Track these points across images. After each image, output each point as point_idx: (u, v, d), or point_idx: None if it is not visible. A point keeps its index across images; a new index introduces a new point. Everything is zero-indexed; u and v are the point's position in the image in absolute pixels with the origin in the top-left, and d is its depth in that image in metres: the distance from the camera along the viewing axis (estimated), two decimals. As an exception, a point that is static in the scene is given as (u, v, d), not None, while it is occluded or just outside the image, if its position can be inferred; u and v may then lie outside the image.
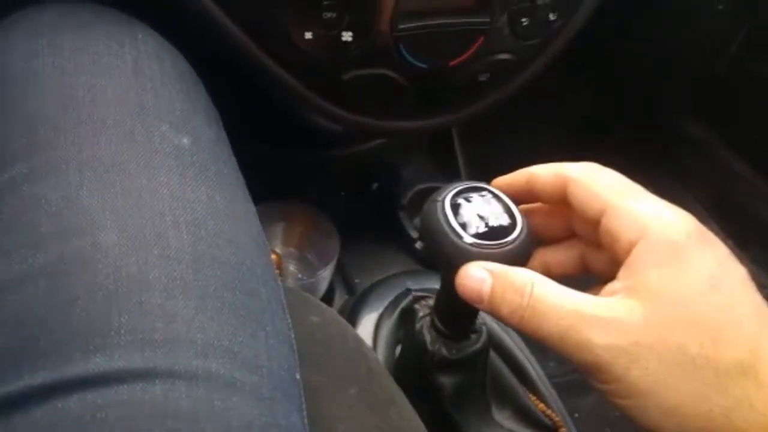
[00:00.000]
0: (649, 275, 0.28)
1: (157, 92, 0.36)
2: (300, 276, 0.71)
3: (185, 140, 0.34)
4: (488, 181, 0.37)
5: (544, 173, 0.34)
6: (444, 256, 0.33)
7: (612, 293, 0.29)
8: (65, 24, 0.38)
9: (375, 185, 0.77)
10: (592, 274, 0.35)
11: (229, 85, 0.53)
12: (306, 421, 0.30)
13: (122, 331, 0.26)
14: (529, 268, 0.35)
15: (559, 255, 0.36)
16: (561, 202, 0.34)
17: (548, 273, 0.36)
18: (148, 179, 0.31)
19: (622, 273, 0.29)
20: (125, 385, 0.25)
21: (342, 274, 0.71)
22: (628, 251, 0.29)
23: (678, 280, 0.28)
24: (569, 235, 0.36)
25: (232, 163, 0.37)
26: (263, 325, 0.30)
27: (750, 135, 0.94)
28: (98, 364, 0.25)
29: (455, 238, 0.33)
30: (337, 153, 0.73)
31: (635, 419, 0.28)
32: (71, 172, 0.30)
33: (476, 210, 0.34)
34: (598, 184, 0.32)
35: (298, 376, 0.31)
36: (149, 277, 0.28)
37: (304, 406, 0.30)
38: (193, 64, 0.42)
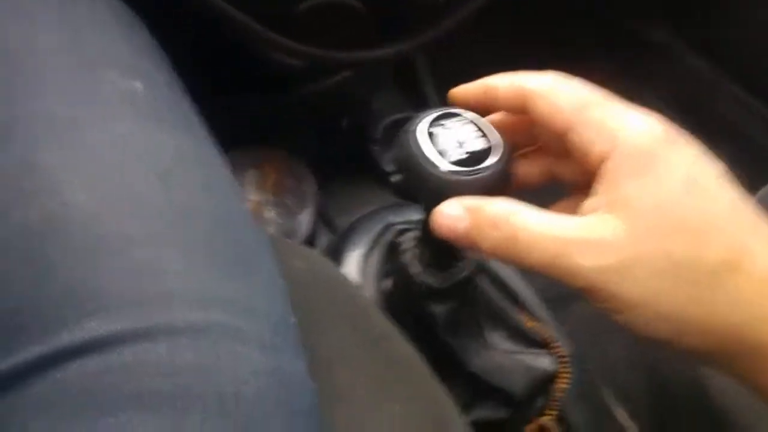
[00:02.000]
0: (625, 188, 0.28)
1: (96, 39, 0.33)
2: (279, 221, 0.70)
3: (138, 84, 0.32)
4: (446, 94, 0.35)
5: (503, 85, 0.32)
6: (423, 188, 0.32)
7: (593, 210, 0.28)
8: None
9: (344, 121, 0.75)
10: (561, 182, 0.34)
11: (183, 33, 0.51)
12: (307, 364, 0.29)
13: (113, 292, 0.25)
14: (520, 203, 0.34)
15: (525, 167, 0.35)
16: (522, 113, 0.32)
17: (516, 186, 0.35)
18: (106, 131, 0.29)
19: (598, 187, 0.29)
20: (127, 347, 0.24)
21: (321, 215, 0.70)
22: (600, 163, 0.29)
23: (654, 188, 0.27)
24: (534, 145, 0.35)
25: (188, 105, 0.35)
26: (254, 271, 0.29)
27: (711, 35, 0.93)
28: (93, 328, 0.24)
29: (432, 169, 0.32)
30: (302, 92, 0.71)
31: (634, 330, 0.28)
32: (21, 131, 0.28)
33: (452, 135, 0.33)
34: (560, 97, 0.30)
35: (293, 320, 0.30)
36: (129, 233, 0.26)
37: (302, 350, 0.30)
38: (140, 13, 0.39)
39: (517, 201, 0.30)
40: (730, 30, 0.91)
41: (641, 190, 0.27)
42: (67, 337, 0.24)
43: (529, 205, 0.30)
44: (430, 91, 0.80)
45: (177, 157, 0.30)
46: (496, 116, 0.35)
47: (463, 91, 0.34)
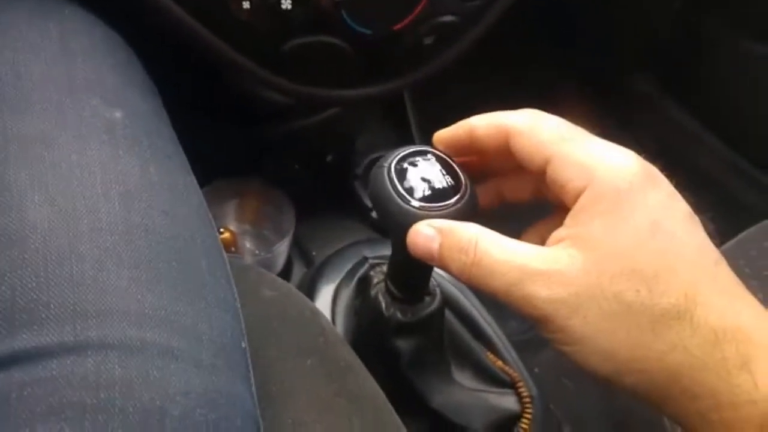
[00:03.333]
0: (592, 225, 0.29)
1: (87, 66, 0.35)
2: (257, 252, 0.70)
3: (117, 114, 0.33)
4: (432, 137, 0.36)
5: (484, 125, 0.33)
6: (393, 221, 0.34)
7: (558, 241, 0.30)
8: None
9: (329, 157, 0.77)
10: (545, 201, 0.35)
11: (174, 64, 0.52)
12: (254, 390, 0.30)
13: (51, 305, 0.26)
14: (483, 197, 0.35)
15: (512, 184, 0.36)
16: (505, 153, 0.33)
17: (503, 201, 0.37)
18: (78, 152, 0.30)
19: (568, 221, 0.30)
20: (55, 360, 0.24)
21: (299, 247, 0.71)
22: (576, 199, 0.30)
23: (619, 228, 0.28)
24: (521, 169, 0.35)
25: (169, 136, 0.36)
26: (203, 295, 0.30)
27: (693, 88, 0.96)
28: (25, 340, 0.25)
29: (402, 203, 0.33)
30: (289, 126, 0.72)
31: (578, 363, 0.29)
32: None
33: (421, 173, 0.34)
34: (540, 133, 0.31)
35: (244, 345, 0.31)
36: (80, 250, 0.27)
37: (251, 374, 0.30)
38: (135, 44, 0.41)
39: (485, 228, 0.31)
40: (712, 84, 0.94)
41: (606, 230, 0.28)
42: None
43: (496, 233, 0.31)
44: (414, 128, 0.82)
45: (142, 182, 0.31)
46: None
47: (446, 133, 0.35)
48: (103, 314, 0.26)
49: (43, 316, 0.25)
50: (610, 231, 0.28)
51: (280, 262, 0.67)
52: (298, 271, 0.69)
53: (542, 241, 0.34)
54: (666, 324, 0.27)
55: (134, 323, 0.26)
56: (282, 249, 0.65)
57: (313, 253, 0.69)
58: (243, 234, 0.70)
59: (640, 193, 0.29)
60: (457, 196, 0.33)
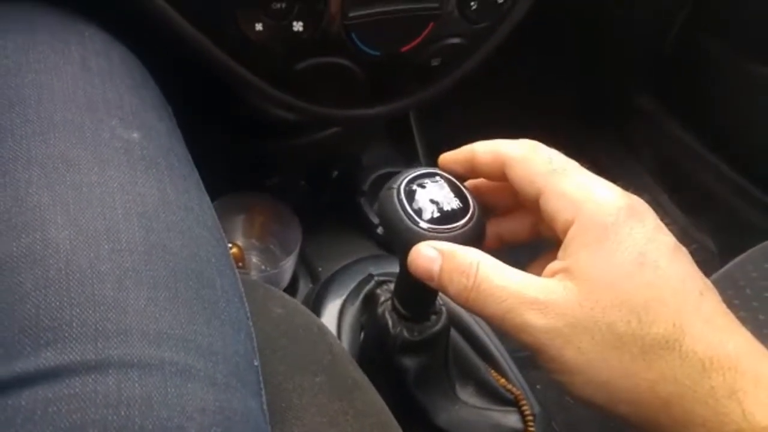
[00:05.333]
0: (581, 257, 0.30)
1: (105, 88, 0.35)
2: (263, 267, 0.71)
3: (135, 135, 0.34)
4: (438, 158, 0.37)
5: (483, 151, 0.35)
6: (401, 242, 0.34)
7: (552, 273, 0.31)
8: (8, 23, 0.37)
9: (335, 173, 0.78)
10: (544, 239, 0.36)
11: (184, 79, 0.53)
12: (265, 407, 0.30)
13: (74, 324, 0.26)
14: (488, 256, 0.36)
15: (510, 224, 0.37)
16: (502, 180, 0.34)
17: (502, 243, 0.37)
18: (98, 174, 0.31)
19: (560, 253, 0.31)
20: (77, 378, 0.25)
21: (305, 263, 0.72)
22: (565, 232, 0.31)
23: (607, 261, 0.29)
24: (519, 206, 0.37)
25: (184, 156, 0.37)
26: (218, 314, 0.30)
27: (696, 108, 0.97)
28: (49, 358, 0.25)
29: (411, 224, 0.34)
30: (295, 143, 0.73)
31: (571, 393, 0.29)
32: (19, 169, 0.30)
33: (429, 196, 0.35)
34: (533, 165, 0.32)
35: (256, 363, 0.31)
36: (101, 270, 0.28)
37: (263, 392, 0.31)
38: (148, 59, 0.42)
39: (486, 254, 0.32)
40: (715, 104, 0.95)
41: (595, 262, 0.29)
42: (23, 365, 0.25)
43: (496, 260, 0.32)
44: (420, 147, 0.82)
45: (160, 203, 0.32)
46: (478, 180, 0.37)
47: (450, 156, 0.37)
48: (123, 333, 0.27)
49: (66, 334, 0.26)
50: (599, 263, 0.29)
51: (287, 277, 0.68)
52: (304, 286, 0.70)
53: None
54: (656, 353, 0.28)
55: (153, 342, 0.27)
56: (288, 265, 0.66)
57: (319, 269, 0.69)
58: (250, 249, 0.71)
59: (625, 226, 0.30)
60: (465, 219, 0.34)
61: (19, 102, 0.33)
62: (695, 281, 0.29)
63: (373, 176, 0.76)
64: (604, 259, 0.29)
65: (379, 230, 0.72)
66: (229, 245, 0.67)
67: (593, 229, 0.30)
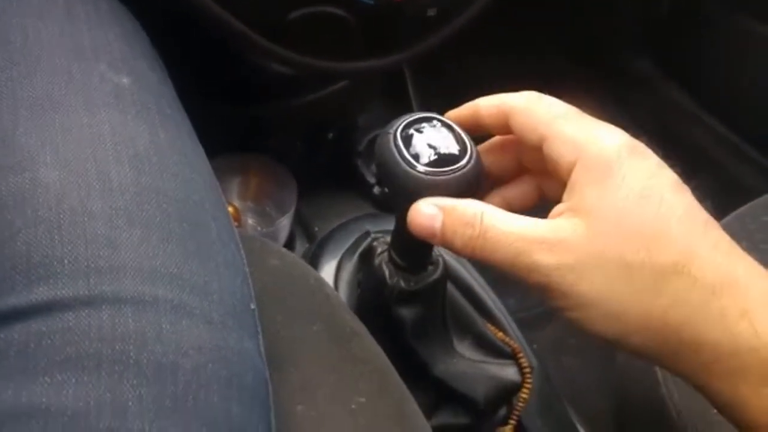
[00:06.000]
0: (586, 194, 0.30)
1: (93, 34, 0.35)
2: (259, 228, 0.71)
3: (125, 80, 0.34)
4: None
5: (487, 105, 0.35)
6: (398, 186, 0.34)
7: (558, 214, 0.31)
8: None
9: (330, 134, 0.77)
10: (551, 202, 0.36)
11: (178, 41, 0.52)
12: (263, 349, 0.30)
13: (65, 261, 0.26)
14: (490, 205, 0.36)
15: (516, 190, 0.37)
16: (506, 132, 0.34)
17: (511, 209, 0.37)
18: (88, 116, 0.31)
19: (565, 195, 0.31)
20: (70, 312, 0.25)
21: (302, 224, 0.71)
22: (569, 173, 0.31)
23: (613, 195, 0.29)
24: (523, 171, 0.37)
25: (176, 103, 0.37)
26: (213, 256, 0.30)
27: (692, 69, 0.97)
28: (41, 293, 0.25)
29: (408, 168, 0.33)
30: (290, 103, 0.72)
31: (583, 328, 0.30)
32: (5, 111, 0.30)
33: (427, 139, 0.34)
34: (536, 112, 0.32)
35: (253, 306, 0.31)
36: (92, 209, 0.28)
37: (260, 335, 0.31)
38: (140, 21, 0.41)
39: (486, 203, 0.32)
40: (711, 64, 0.94)
41: (601, 198, 0.29)
42: (14, 300, 0.25)
43: (498, 208, 0.32)
44: (415, 107, 0.82)
45: (152, 145, 0.32)
46: (482, 147, 0.37)
47: (453, 113, 0.36)
48: (115, 270, 0.27)
49: (58, 270, 0.26)
50: (604, 198, 0.29)
51: (282, 237, 0.68)
52: (300, 246, 0.70)
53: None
54: (666, 280, 0.28)
55: (146, 279, 0.27)
56: (284, 224, 0.66)
57: (316, 229, 0.69)
58: (245, 210, 0.71)
59: (627, 162, 0.30)
60: (464, 161, 0.33)
61: (4, 44, 0.32)
62: (699, 213, 0.30)
63: (369, 137, 0.76)
64: (609, 195, 0.29)
65: (376, 190, 0.72)
66: (225, 204, 0.67)
67: (596, 168, 0.30)
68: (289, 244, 0.70)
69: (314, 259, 0.58)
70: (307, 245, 0.70)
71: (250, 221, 0.71)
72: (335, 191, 0.73)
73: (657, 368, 0.48)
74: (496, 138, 0.37)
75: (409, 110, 0.83)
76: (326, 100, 0.71)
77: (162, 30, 0.42)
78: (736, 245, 0.30)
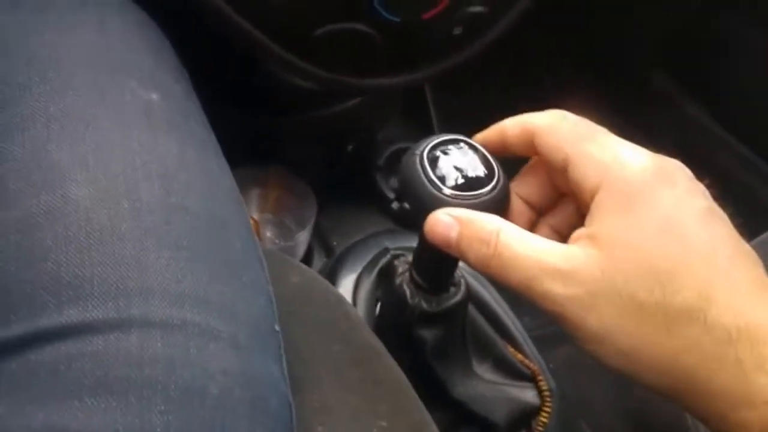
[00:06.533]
0: (606, 223, 0.29)
1: (123, 49, 0.35)
2: (277, 241, 0.70)
3: (154, 96, 0.34)
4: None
5: (512, 126, 0.34)
6: (423, 209, 0.34)
7: (576, 240, 0.30)
8: None
9: (350, 147, 0.77)
10: None
11: (199, 49, 0.52)
12: (286, 372, 0.30)
13: (95, 282, 0.26)
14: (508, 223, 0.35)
15: (560, 216, 0.36)
16: (532, 153, 0.34)
17: (562, 237, 0.36)
18: (119, 133, 0.31)
19: (587, 219, 0.30)
20: (100, 336, 0.25)
21: (319, 237, 0.71)
22: (592, 198, 0.30)
23: (633, 226, 0.28)
24: (561, 196, 0.36)
25: (202, 119, 0.37)
26: (238, 276, 0.30)
27: (713, 87, 0.96)
28: (71, 315, 0.25)
29: (434, 190, 0.33)
30: (310, 116, 0.72)
31: (597, 360, 0.29)
32: (38, 126, 0.30)
33: (453, 162, 0.34)
34: (559, 133, 0.32)
35: (277, 328, 0.31)
36: (121, 229, 0.28)
37: (283, 357, 0.31)
38: (165, 31, 0.41)
39: (505, 220, 0.31)
40: (732, 83, 0.93)
41: (620, 228, 0.28)
42: (45, 321, 0.25)
43: (516, 226, 0.31)
44: (435, 122, 0.81)
45: (180, 164, 0.32)
46: (517, 178, 0.36)
47: (480, 137, 0.36)
48: (144, 293, 0.26)
49: (88, 292, 0.26)
50: (624, 229, 0.28)
51: (301, 251, 0.67)
52: (318, 260, 0.70)
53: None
54: (680, 324, 0.27)
55: (174, 302, 0.27)
56: (303, 238, 0.66)
57: (334, 243, 0.69)
58: (264, 223, 0.71)
59: (652, 190, 0.29)
60: (490, 186, 0.33)
61: (37, 60, 0.32)
62: (726, 247, 0.28)
63: (389, 151, 0.76)
64: (628, 226, 0.28)
65: (394, 205, 0.72)
66: (245, 217, 0.67)
67: (619, 195, 0.29)
68: (307, 258, 0.70)
69: (332, 274, 0.58)
70: (324, 259, 0.69)
71: (269, 234, 0.71)
72: (354, 205, 0.73)
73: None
74: (526, 167, 0.36)
75: (429, 126, 0.83)
76: (346, 114, 0.71)
77: (184, 40, 0.42)
78: (763, 285, 0.28)
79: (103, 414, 0.23)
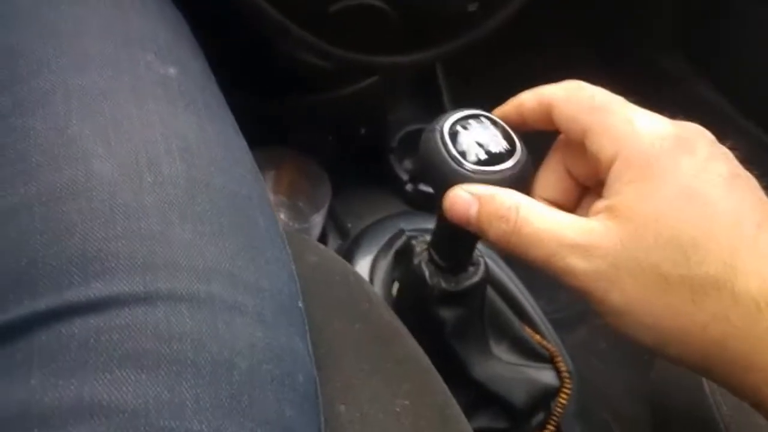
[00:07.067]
0: (624, 193, 0.28)
1: (140, 23, 0.35)
2: (291, 224, 0.70)
3: (172, 70, 0.33)
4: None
5: (529, 99, 0.33)
6: (444, 185, 0.33)
7: (596, 213, 0.29)
8: None
9: (363, 130, 0.76)
10: None
11: (212, 29, 0.52)
12: (311, 349, 0.30)
13: (121, 257, 0.26)
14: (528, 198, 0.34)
15: (584, 213, 0.34)
16: (550, 127, 0.32)
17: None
18: (138, 107, 0.30)
19: (604, 191, 0.29)
20: (127, 309, 0.25)
21: (334, 220, 0.71)
22: (609, 169, 0.29)
23: (650, 196, 0.27)
24: (584, 191, 0.34)
25: (219, 95, 0.36)
26: (262, 252, 0.30)
27: (726, 69, 0.94)
28: (98, 288, 0.25)
29: (456, 166, 0.32)
30: (323, 97, 0.72)
31: (622, 333, 0.28)
32: (58, 101, 0.29)
33: (474, 137, 0.33)
34: (576, 104, 0.31)
35: (300, 305, 0.31)
36: (145, 204, 0.27)
37: (307, 333, 0.30)
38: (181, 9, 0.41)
39: (525, 195, 0.30)
40: (745, 64, 0.91)
41: (639, 199, 0.27)
42: (73, 295, 0.25)
43: (536, 201, 0.30)
44: (447, 103, 0.81)
45: (200, 138, 0.31)
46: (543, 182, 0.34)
47: (499, 111, 0.35)
48: (170, 267, 0.26)
49: (114, 266, 0.25)
50: (642, 200, 0.27)
51: (315, 233, 0.67)
52: (333, 243, 0.69)
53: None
54: (706, 294, 0.26)
55: (201, 277, 0.27)
56: (318, 220, 0.65)
57: (349, 226, 0.69)
58: (278, 205, 0.70)
59: (670, 158, 0.28)
60: (513, 161, 0.32)
61: (54, 34, 0.32)
62: (754, 213, 0.27)
63: (402, 132, 0.75)
64: (648, 196, 0.27)
65: (408, 187, 0.71)
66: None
67: (636, 164, 0.28)
68: (322, 240, 0.69)
69: (348, 256, 0.58)
70: (339, 242, 0.69)
71: (283, 216, 0.71)
72: (367, 187, 0.73)
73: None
74: (543, 165, 0.35)
75: (441, 107, 0.82)
76: (358, 95, 0.70)
77: (197, 19, 0.42)
78: None
79: (134, 386, 0.23)
